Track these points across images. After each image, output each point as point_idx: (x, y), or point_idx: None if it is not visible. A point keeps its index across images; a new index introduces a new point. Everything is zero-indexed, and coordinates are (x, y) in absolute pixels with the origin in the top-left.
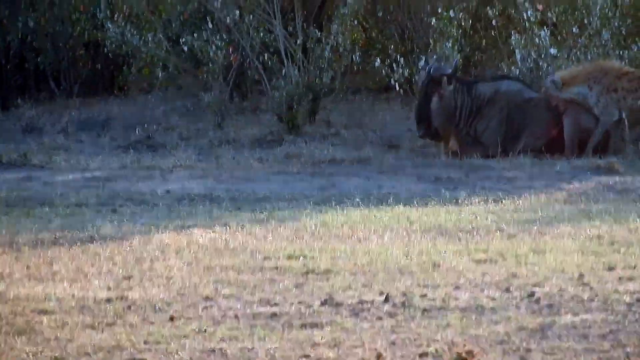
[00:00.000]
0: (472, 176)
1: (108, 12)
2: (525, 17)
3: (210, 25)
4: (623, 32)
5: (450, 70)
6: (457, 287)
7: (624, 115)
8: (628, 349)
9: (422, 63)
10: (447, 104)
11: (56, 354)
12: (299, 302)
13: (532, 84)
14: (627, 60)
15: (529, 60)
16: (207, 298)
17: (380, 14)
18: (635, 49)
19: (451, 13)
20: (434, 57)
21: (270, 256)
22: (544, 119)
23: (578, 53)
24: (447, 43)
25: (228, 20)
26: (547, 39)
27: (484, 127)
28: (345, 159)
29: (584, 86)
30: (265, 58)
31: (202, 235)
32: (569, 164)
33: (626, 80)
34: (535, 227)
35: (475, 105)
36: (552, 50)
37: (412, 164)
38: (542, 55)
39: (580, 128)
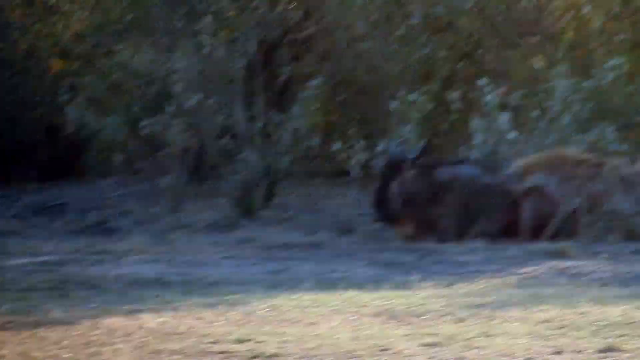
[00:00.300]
0: (425, 260)
1: (68, 96)
2: (486, 101)
3: (170, 109)
4: (584, 116)
5: (412, 156)
6: None
7: (580, 201)
8: None
9: (381, 147)
10: (406, 189)
11: None
12: None
13: (491, 169)
14: (586, 145)
15: (489, 145)
16: None
17: (340, 98)
18: (597, 133)
19: (411, 97)
20: (396, 141)
21: (219, 340)
22: (502, 204)
23: (538, 137)
24: (406, 127)
25: (189, 104)
26: (508, 122)
27: (440, 213)
28: (299, 243)
29: (542, 175)
30: (224, 142)
31: (151, 320)
32: (521, 248)
33: (584, 168)
34: (486, 311)
35: (434, 190)
36: (512, 134)
37: (366, 248)
38: (502, 140)
39: (540, 213)
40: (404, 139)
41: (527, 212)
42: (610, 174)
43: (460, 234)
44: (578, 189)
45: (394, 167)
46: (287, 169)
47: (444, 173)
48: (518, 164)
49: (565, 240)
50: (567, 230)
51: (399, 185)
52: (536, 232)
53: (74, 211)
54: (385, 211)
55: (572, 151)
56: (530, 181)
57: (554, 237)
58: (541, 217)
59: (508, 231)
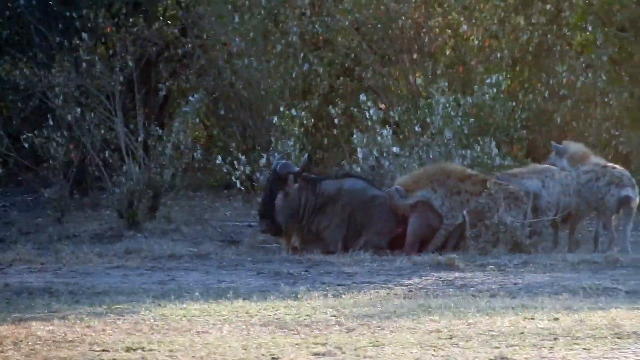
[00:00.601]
0: (312, 271)
1: None
2: (367, 116)
3: (51, 122)
4: (465, 131)
5: (297, 169)
6: None
7: (466, 215)
8: None
9: (263, 160)
10: (291, 201)
11: None
12: None
13: (375, 182)
14: (469, 160)
15: (371, 159)
16: None
17: (222, 112)
18: (478, 148)
19: (293, 111)
20: (279, 155)
21: (109, 349)
22: (388, 217)
23: (420, 152)
24: (288, 141)
25: (69, 118)
26: (390, 137)
27: (326, 224)
28: (185, 254)
29: (428, 189)
30: (106, 155)
31: (40, 328)
32: (409, 260)
33: (469, 183)
34: (375, 321)
35: (319, 202)
36: (395, 149)
37: (252, 259)
38: (385, 154)
39: (427, 226)
40: (286, 152)
41: (413, 225)
42: (495, 188)
43: (346, 246)
44: (463, 203)
45: (279, 180)
46: (170, 181)
47: (329, 186)
48: (404, 177)
49: (452, 252)
50: (453, 243)
51: (284, 197)
52: (422, 245)
53: None
54: (270, 222)
55: (456, 166)
56: (416, 195)
57: (441, 249)
58: (428, 229)
59: (395, 243)
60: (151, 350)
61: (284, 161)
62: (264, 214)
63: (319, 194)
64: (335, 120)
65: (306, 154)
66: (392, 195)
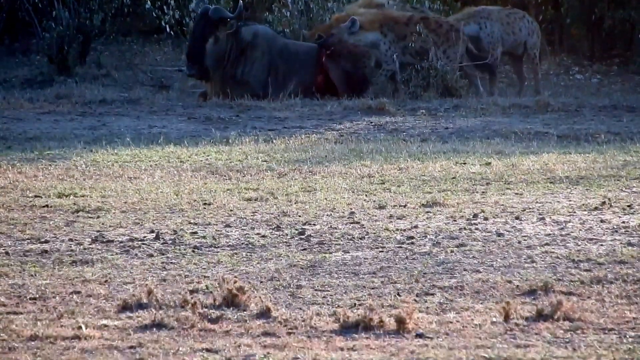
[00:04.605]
0: (243, 116)
1: None
2: None
3: None
4: None
5: (230, 14)
6: (227, 225)
7: (396, 59)
8: (398, 285)
9: (192, 5)
10: (220, 46)
11: None
12: (70, 240)
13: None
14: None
15: (300, 3)
16: None
17: None
18: None
19: None
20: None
21: (41, 194)
22: (309, 66)
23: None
24: None
25: None
26: None
27: (248, 69)
28: (115, 99)
29: (378, 33)
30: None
31: None
32: (339, 104)
33: (412, 24)
34: (306, 167)
35: (240, 47)
36: None
37: (183, 104)
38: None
39: (344, 71)
40: None
41: (333, 70)
42: (429, 29)
43: (271, 91)
44: (407, 49)
45: (211, 25)
46: (100, 26)
47: (245, 31)
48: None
49: (383, 96)
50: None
51: (214, 42)
52: (352, 88)
53: None
54: (200, 67)
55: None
56: (367, 36)
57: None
58: (346, 74)
59: (322, 89)
60: (83, 196)
61: (215, 5)
62: (194, 58)
63: (239, 40)
64: None
65: (240, 1)
66: (343, 28)
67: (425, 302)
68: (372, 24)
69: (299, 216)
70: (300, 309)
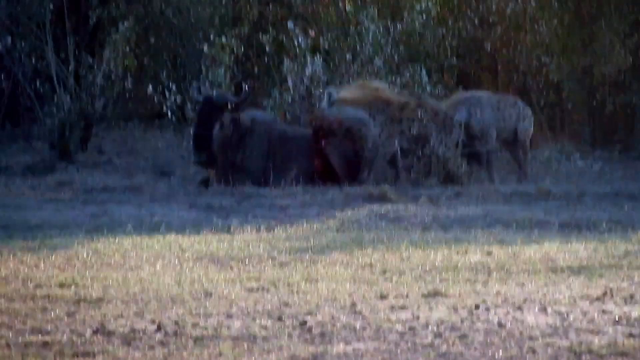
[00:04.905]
0: (245, 204)
1: None
2: (296, 44)
3: None
4: (395, 58)
5: (234, 98)
6: (229, 316)
7: (397, 144)
8: None
9: (193, 90)
10: (225, 132)
11: None
12: (71, 331)
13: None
14: (399, 87)
15: (302, 88)
16: None
17: (152, 41)
18: (408, 75)
19: (223, 39)
20: (196, 85)
21: (42, 284)
22: (308, 151)
23: (351, 80)
24: (219, 70)
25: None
26: (320, 65)
27: (248, 155)
28: (117, 186)
29: (365, 112)
30: (38, 85)
31: None
32: (341, 192)
33: (409, 110)
34: (308, 256)
35: (239, 133)
36: (325, 77)
37: (185, 191)
38: (315, 82)
39: (345, 156)
40: (215, 81)
41: (334, 157)
42: (428, 116)
43: (274, 180)
44: (403, 132)
45: (216, 110)
46: (102, 111)
47: (244, 117)
48: (336, 91)
49: (384, 183)
50: (385, 173)
51: (220, 128)
52: (352, 174)
53: None
54: (208, 154)
55: (389, 91)
56: (348, 110)
57: (374, 180)
58: (346, 160)
59: (323, 175)
60: (84, 286)
61: (218, 90)
62: (202, 145)
63: (239, 125)
64: (266, 48)
65: (245, 85)
66: (322, 100)
67: None
68: (356, 101)
69: (301, 306)
70: None
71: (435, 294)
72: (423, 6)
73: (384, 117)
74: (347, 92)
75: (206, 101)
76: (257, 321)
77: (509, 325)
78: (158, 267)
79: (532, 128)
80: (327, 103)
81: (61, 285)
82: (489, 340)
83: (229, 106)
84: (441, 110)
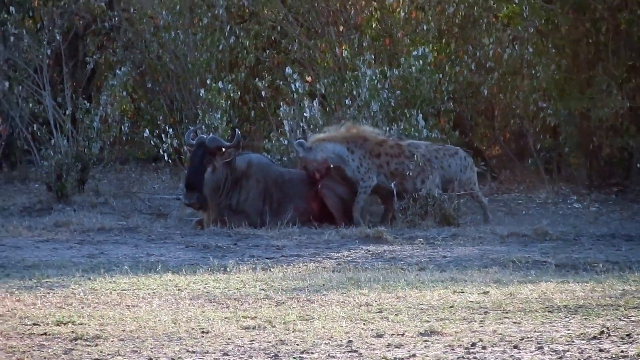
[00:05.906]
0: (241, 245)
1: None
2: (293, 89)
3: None
4: (392, 103)
5: (226, 142)
6: (225, 354)
7: (394, 187)
8: None
9: (188, 134)
10: (217, 176)
11: None
12: None
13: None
14: (396, 133)
15: (299, 132)
16: None
17: (149, 85)
18: (404, 120)
19: (220, 84)
20: (192, 129)
21: (39, 322)
22: (304, 193)
23: (348, 124)
24: (215, 114)
25: None
26: (317, 110)
27: (244, 198)
28: (113, 227)
29: (343, 147)
30: (35, 128)
31: None
32: (337, 233)
33: (387, 146)
34: (304, 295)
35: (235, 177)
36: (322, 121)
37: (181, 232)
38: (311, 127)
39: (340, 198)
40: (211, 126)
41: (329, 198)
42: (404, 156)
43: (271, 222)
44: (382, 166)
45: (209, 154)
46: (98, 154)
47: (239, 160)
48: (318, 135)
49: (380, 224)
50: (386, 214)
51: (212, 171)
52: (348, 214)
53: None
54: (199, 196)
55: (371, 130)
56: (327, 149)
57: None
58: (342, 200)
59: (319, 216)
60: (81, 324)
61: (211, 135)
62: (193, 187)
63: (234, 169)
64: (262, 93)
65: (237, 131)
66: (298, 151)
67: None
68: (335, 138)
69: (297, 345)
70: None
71: (431, 332)
72: (420, 52)
73: (362, 151)
74: (329, 132)
75: (198, 145)
76: (254, 359)
77: None
78: (154, 305)
79: (475, 176)
80: (303, 152)
81: (58, 323)
82: None
83: (221, 150)
84: (418, 153)
